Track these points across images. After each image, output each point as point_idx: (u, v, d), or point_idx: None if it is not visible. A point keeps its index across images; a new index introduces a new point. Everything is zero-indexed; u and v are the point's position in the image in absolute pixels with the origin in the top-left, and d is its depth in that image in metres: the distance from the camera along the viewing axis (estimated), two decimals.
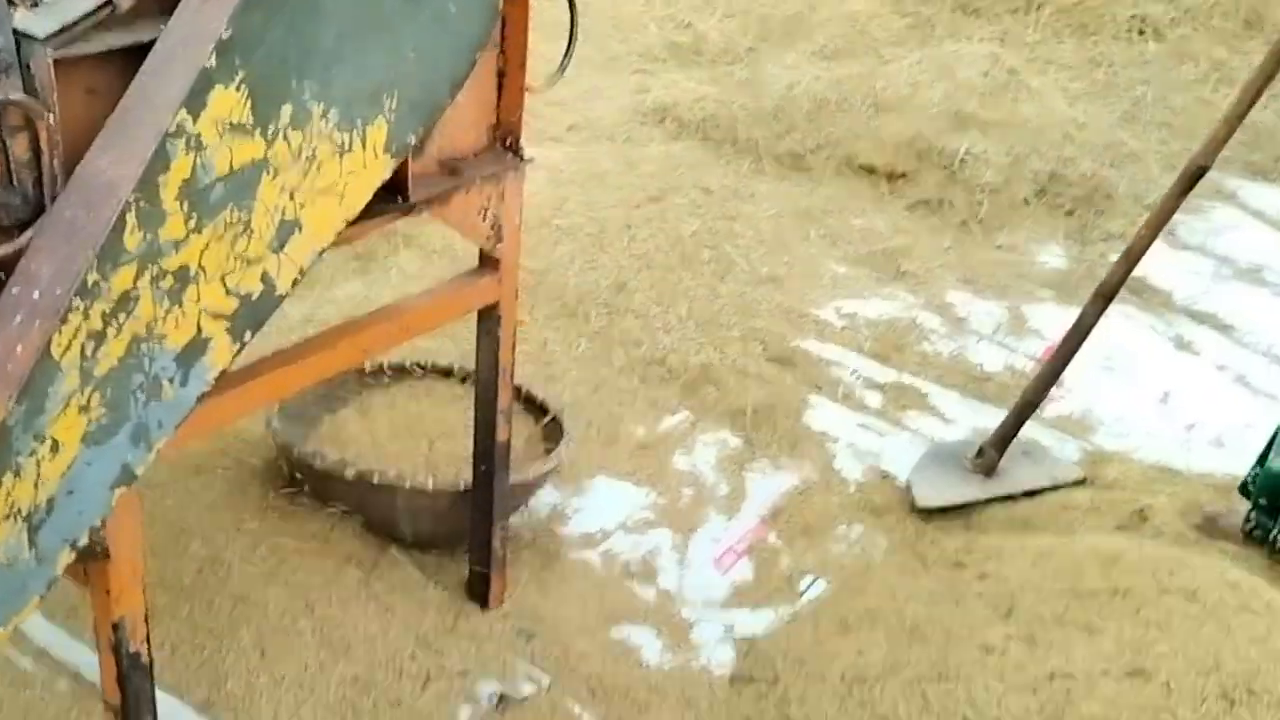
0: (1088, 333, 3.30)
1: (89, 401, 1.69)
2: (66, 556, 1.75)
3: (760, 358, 3.93)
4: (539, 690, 2.76)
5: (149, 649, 2.10)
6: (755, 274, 4.32)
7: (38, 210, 1.68)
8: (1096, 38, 5.99)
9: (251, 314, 1.86)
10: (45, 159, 1.66)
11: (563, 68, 2.51)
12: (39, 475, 1.66)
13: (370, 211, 2.24)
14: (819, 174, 5.00)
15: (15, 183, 1.67)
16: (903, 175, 4.96)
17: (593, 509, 3.31)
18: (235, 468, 3.18)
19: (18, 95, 1.60)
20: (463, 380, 3.22)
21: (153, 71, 1.65)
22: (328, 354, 2.24)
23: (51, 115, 1.64)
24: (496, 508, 2.79)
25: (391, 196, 2.25)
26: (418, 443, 3.13)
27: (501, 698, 2.73)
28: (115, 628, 2.04)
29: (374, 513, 2.97)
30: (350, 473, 2.85)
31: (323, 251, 1.94)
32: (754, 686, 2.84)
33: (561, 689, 2.78)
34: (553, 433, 3.25)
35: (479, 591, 2.91)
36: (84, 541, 1.76)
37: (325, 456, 2.88)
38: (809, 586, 3.16)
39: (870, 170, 4.98)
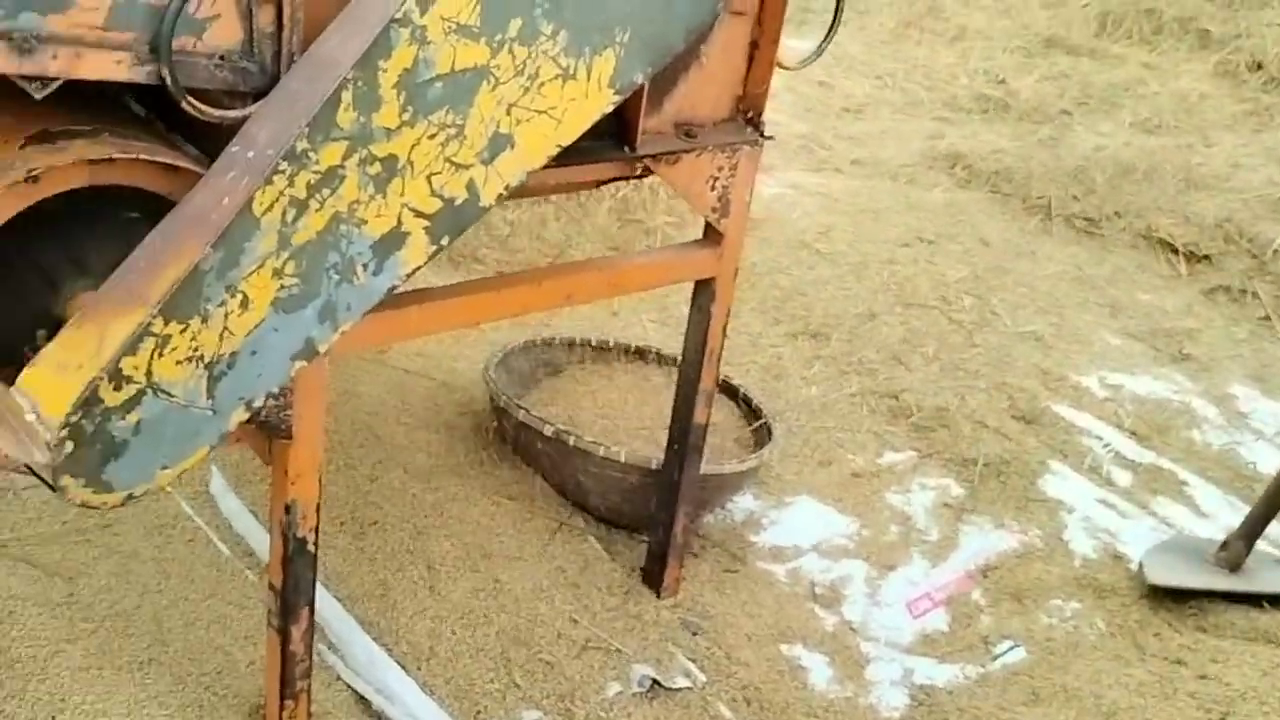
0: None
1: (284, 267, 1.76)
2: (240, 414, 1.82)
3: (1004, 413, 3.70)
4: (693, 686, 2.67)
5: (316, 538, 2.16)
6: (1018, 329, 4.09)
7: (272, 82, 1.78)
8: None
9: (452, 219, 1.89)
10: (286, 34, 1.76)
11: (820, 50, 2.45)
12: (226, 327, 1.74)
13: (595, 157, 2.27)
14: (1111, 242, 4.70)
15: (255, 52, 1.77)
16: (1205, 257, 4.59)
17: (790, 525, 3.19)
18: (449, 412, 3.27)
19: None
20: None
21: None
22: (529, 289, 2.26)
23: None
24: (683, 491, 2.73)
25: (619, 146, 2.27)
26: (626, 421, 3.12)
27: (654, 684, 2.65)
28: (287, 509, 2.10)
29: (566, 477, 2.97)
30: (549, 430, 2.86)
31: (531, 173, 1.96)
32: None
33: (716, 690, 2.68)
34: (763, 439, 3.17)
35: (654, 576, 2.85)
36: (259, 403, 1.83)
37: (529, 411, 2.91)
38: (1006, 651, 2.92)
39: (1170, 247, 4.65)
